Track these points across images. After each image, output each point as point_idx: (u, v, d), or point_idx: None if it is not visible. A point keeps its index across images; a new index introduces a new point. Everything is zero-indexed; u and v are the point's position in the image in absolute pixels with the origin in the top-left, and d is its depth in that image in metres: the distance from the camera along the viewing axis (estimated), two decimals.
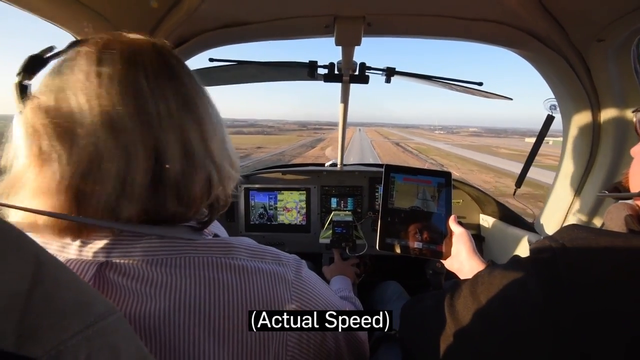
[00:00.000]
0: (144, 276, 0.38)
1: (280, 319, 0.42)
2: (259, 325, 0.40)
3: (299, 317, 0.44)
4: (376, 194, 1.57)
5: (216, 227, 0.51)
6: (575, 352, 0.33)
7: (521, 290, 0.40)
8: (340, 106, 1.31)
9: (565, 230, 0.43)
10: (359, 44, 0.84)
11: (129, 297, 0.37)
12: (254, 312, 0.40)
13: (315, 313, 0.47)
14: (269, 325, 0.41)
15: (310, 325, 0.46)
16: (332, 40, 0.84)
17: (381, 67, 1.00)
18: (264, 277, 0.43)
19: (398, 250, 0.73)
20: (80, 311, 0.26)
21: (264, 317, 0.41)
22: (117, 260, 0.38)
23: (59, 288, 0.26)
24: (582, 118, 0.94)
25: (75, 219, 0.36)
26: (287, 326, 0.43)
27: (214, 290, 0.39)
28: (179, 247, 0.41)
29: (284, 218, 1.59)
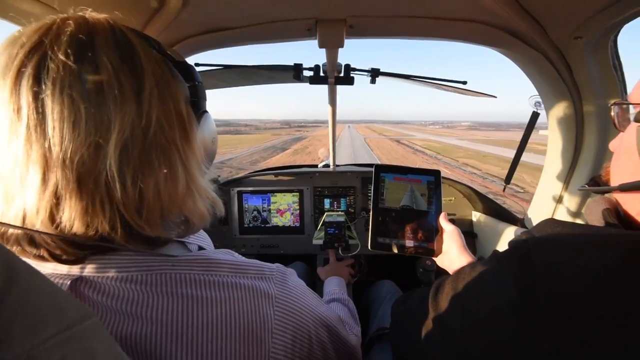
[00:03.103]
0: (119, 294, 0.37)
1: (263, 336, 0.41)
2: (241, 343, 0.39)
3: (283, 332, 0.43)
4: (369, 194, 1.57)
5: (201, 239, 0.49)
6: (547, 349, 0.33)
7: (496, 285, 0.41)
8: (329, 107, 1.32)
9: (542, 225, 0.44)
10: (342, 46, 0.85)
11: (106, 315, 0.37)
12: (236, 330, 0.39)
13: (300, 326, 0.46)
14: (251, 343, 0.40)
15: (294, 339, 0.45)
16: (316, 42, 0.85)
17: (367, 67, 1.01)
18: (246, 294, 0.42)
19: (390, 249, 0.74)
20: (54, 316, 0.27)
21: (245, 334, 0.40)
22: (91, 276, 0.37)
23: (32, 294, 0.26)
24: (566, 114, 0.95)
25: (39, 232, 0.34)
26: (272, 342, 0.42)
27: (193, 309, 0.38)
28: (154, 262, 0.39)
29: (278, 220, 1.59)
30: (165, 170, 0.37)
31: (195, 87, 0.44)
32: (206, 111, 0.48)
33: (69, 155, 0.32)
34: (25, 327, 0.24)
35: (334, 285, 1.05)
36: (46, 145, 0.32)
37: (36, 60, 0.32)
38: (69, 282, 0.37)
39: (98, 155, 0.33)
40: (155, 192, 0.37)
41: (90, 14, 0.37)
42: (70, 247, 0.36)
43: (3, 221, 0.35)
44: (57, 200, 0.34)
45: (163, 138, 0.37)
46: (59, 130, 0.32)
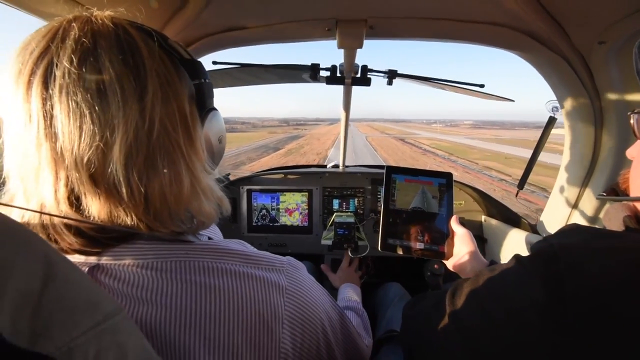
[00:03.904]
0: (135, 280, 0.38)
1: (273, 324, 0.41)
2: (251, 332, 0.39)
3: (292, 323, 0.43)
4: (378, 196, 1.57)
5: (210, 231, 0.50)
6: (575, 351, 0.33)
7: (521, 288, 0.40)
8: (342, 108, 1.32)
9: (566, 230, 0.44)
10: (360, 47, 0.84)
11: (122, 302, 0.37)
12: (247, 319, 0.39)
13: (309, 318, 0.46)
14: (262, 333, 0.40)
15: (304, 331, 0.45)
16: (334, 42, 0.85)
17: (383, 68, 1.01)
18: (256, 284, 0.42)
19: (400, 251, 0.74)
20: (90, 309, 0.27)
21: (256, 324, 0.40)
22: (108, 263, 0.38)
23: (69, 287, 0.27)
24: (584, 120, 0.94)
25: (58, 216, 0.36)
26: (282, 332, 0.42)
27: (205, 296, 0.38)
28: (169, 250, 0.40)
29: (286, 219, 1.59)
30: (169, 173, 0.38)
31: (201, 85, 0.44)
32: (213, 109, 0.47)
33: (79, 157, 0.34)
34: (64, 320, 0.25)
35: (351, 293, 1.03)
36: (58, 148, 0.34)
37: (44, 67, 0.34)
38: (86, 270, 0.38)
39: (105, 158, 0.35)
40: (160, 194, 0.38)
41: (97, 13, 0.38)
42: (90, 243, 0.37)
43: (24, 219, 0.37)
44: (76, 198, 0.36)
45: (167, 141, 0.38)
46: (67, 134, 0.34)
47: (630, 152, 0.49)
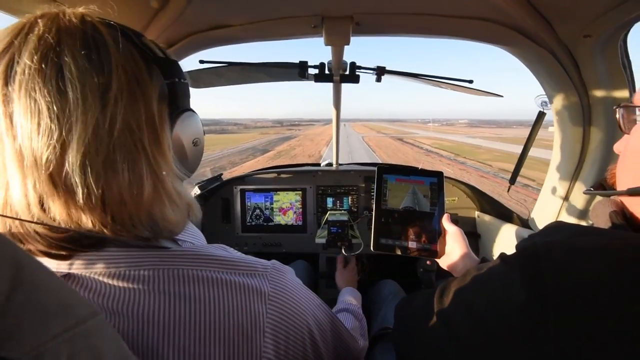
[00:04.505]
0: (106, 291, 0.36)
1: (254, 335, 0.39)
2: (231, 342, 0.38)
3: (275, 332, 0.42)
4: (372, 193, 1.57)
5: (192, 235, 0.48)
6: (555, 351, 0.33)
7: (504, 287, 0.40)
8: (333, 105, 1.31)
9: (550, 228, 0.44)
10: (347, 44, 0.84)
11: None
12: (227, 329, 0.38)
13: (294, 326, 0.44)
14: (243, 342, 0.38)
15: (288, 339, 0.43)
16: (322, 40, 0.84)
17: (372, 65, 1.01)
18: (236, 292, 0.40)
19: (393, 251, 0.74)
20: (62, 313, 0.26)
21: (236, 333, 0.38)
22: (79, 272, 0.37)
23: (40, 291, 0.26)
24: (572, 114, 0.94)
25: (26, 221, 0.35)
26: (263, 341, 0.40)
27: (180, 307, 0.37)
28: (142, 257, 0.38)
29: (280, 218, 1.59)
30: (129, 175, 0.37)
31: (174, 84, 0.42)
32: (188, 110, 0.45)
33: (38, 156, 0.33)
34: (33, 325, 0.24)
35: (351, 298, 1.02)
36: (16, 147, 0.33)
37: (5, 64, 0.33)
38: None
39: (63, 157, 0.34)
40: (118, 197, 0.36)
41: (67, 9, 0.37)
42: (60, 244, 0.36)
43: None
44: (40, 199, 0.35)
45: (130, 140, 0.36)
46: (26, 132, 0.33)
47: (617, 147, 0.49)
